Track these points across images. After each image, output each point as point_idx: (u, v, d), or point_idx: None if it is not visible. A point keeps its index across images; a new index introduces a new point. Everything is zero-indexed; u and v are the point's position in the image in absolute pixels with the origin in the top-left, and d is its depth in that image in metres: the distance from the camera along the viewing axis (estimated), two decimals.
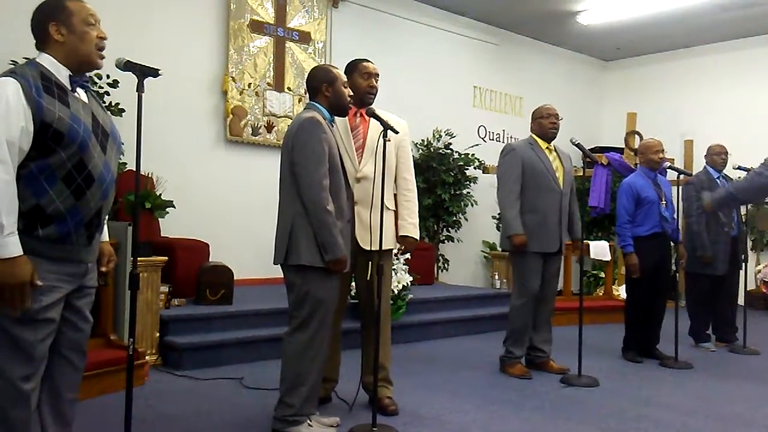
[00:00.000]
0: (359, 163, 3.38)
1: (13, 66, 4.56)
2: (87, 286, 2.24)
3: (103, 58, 2.20)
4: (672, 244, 5.11)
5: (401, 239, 3.51)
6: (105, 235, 2.37)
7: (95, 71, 2.36)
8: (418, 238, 3.55)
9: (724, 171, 5.60)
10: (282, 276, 3.06)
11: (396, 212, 3.53)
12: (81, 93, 2.18)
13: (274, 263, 3.05)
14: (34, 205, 2.01)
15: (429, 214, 7.46)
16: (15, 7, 4.95)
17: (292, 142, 2.96)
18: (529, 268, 4.35)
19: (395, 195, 3.56)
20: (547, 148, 4.47)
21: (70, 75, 2.13)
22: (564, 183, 4.43)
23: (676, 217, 5.08)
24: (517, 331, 4.42)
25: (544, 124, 4.46)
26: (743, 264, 5.60)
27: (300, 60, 6.72)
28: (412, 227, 3.51)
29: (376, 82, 3.47)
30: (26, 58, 4.58)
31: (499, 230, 6.93)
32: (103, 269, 2.35)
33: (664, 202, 4.91)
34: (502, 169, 4.44)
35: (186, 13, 6.08)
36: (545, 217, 4.34)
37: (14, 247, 1.94)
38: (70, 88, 2.12)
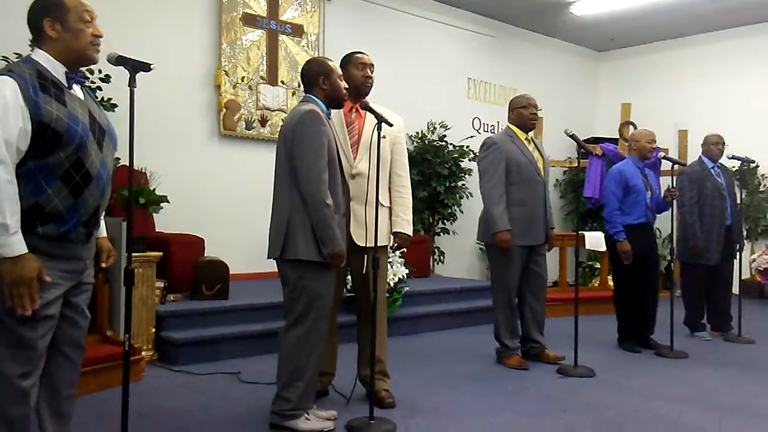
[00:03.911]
0: (354, 159, 3.36)
1: (6, 62, 4.58)
2: (85, 283, 2.24)
3: (98, 52, 2.18)
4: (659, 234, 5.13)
5: (394, 235, 3.50)
6: (103, 231, 2.37)
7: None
8: (411, 234, 3.55)
9: (719, 161, 5.61)
10: (277, 270, 3.05)
11: (390, 208, 3.52)
12: (77, 89, 2.17)
13: (269, 257, 3.03)
14: (33, 204, 2.01)
15: (424, 206, 7.45)
16: (6, 4, 4.91)
17: (292, 135, 2.92)
18: (511, 263, 4.35)
19: (389, 191, 3.54)
20: (526, 139, 4.46)
21: (66, 72, 2.12)
22: (545, 172, 4.46)
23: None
24: (504, 324, 4.43)
25: (525, 115, 4.43)
26: (737, 254, 5.62)
27: (293, 53, 6.69)
28: (405, 224, 3.50)
29: (372, 73, 3.45)
30: (17, 54, 4.59)
31: None
32: (103, 265, 2.35)
33: (650, 193, 4.93)
34: (486, 163, 4.38)
35: (178, 7, 6.04)
36: (532, 210, 4.35)
37: (20, 246, 1.95)
38: (66, 85, 2.11)
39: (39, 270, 1.98)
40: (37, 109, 1.98)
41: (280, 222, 2.96)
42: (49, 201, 2.02)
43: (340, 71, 3.15)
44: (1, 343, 2.02)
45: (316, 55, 6.69)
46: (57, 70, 2.09)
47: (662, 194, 5.04)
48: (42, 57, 2.09)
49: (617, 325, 5.12)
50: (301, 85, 3.24)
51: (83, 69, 2.21)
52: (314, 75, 3.08)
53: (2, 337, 2.02)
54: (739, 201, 5.68)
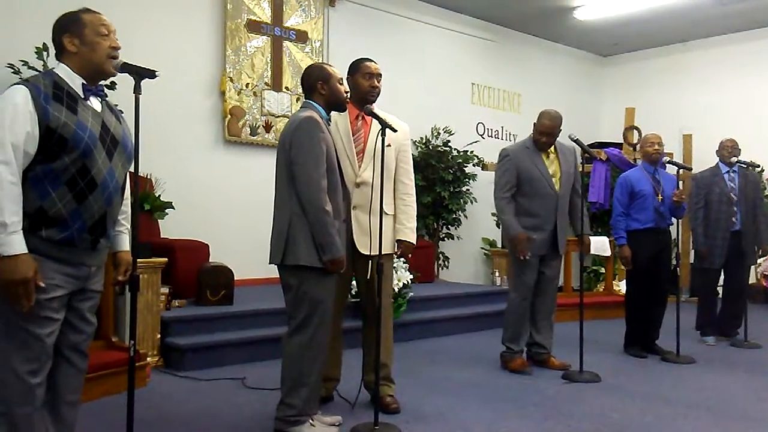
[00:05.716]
0: (359, 167, 3.36)
1: (13, 69, 4.63)
2: (91, 290, 2.27)
3: (115, 66, 2.23)
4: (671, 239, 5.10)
5: (397, 243, 3.49)
6: (125, 245, 2.43)
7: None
8: (414, 242, 3.54)
9: (738, 164, 5.60)
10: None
11: (395, 216, 3.50)
12: (95, 102, 2.24)
13: (270, 263, 3.03)
14: (38, 207, 2.07)
15: (428, 212, 7.45)
16: (13, 13, 4.95)
17: (290, 141, 2.93)
18: (527, 269, 4.38)
19: (394, 198, 3.53)
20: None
21: (83, 84, 2.20)
22: (561, 184, 4.41)
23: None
24: (514, 328, 4.44)
25: (537, 139, 4.43)
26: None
27: (297, 59, 6.71)
28: (409, 232, 3.49)
29: (379, 82, 3.42)
30: (23, 61, 4.62)
31: (499, 227, 6.95)
32: (120, 278, 2.39)
33: (660, 197, 4.91)
34: (498, 174, 4.49)
35: (182, 14, 6.07)
36: (541, 221, 4.36)
37: (18, 245, 2.00)
38: (82, 96, 2.18)
39: (35, 271, 2.02)
40: (46, 114, 2.05)
41: (281, 228, 2.96)
42: (52, 205, 2.08)
43: (339, 75, 3.14)
44: (10, 341, 2.06)
45: (320, 61, 6.72)
46: (74, 81, 2.18)
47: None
48: (62, 70, 2.19)
49: (626, 330, 5.11)
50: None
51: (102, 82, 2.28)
52: (313, 80, 3.09)
53: (11, 335, 2.06)
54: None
